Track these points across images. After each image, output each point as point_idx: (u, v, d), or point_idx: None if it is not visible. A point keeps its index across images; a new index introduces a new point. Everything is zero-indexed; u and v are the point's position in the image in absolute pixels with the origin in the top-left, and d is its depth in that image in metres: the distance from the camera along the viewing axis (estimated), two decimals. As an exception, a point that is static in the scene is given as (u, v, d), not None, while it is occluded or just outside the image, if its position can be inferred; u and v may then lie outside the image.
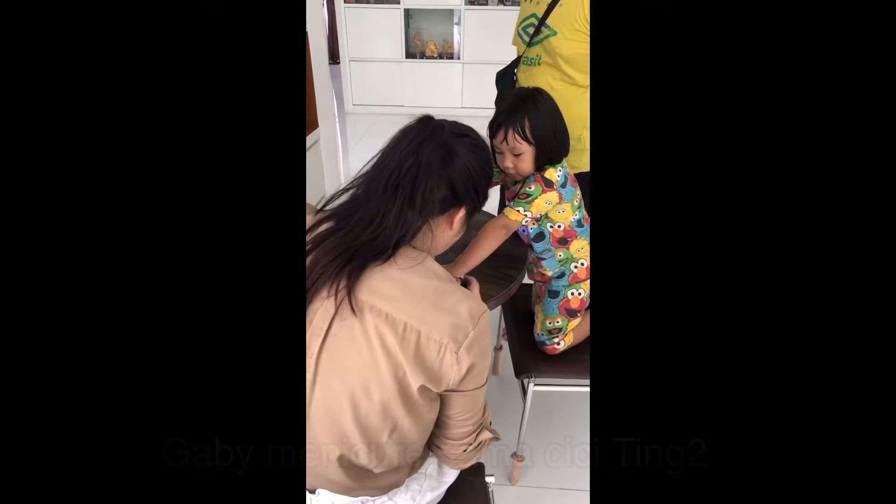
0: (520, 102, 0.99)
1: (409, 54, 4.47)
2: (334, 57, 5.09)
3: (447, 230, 0.73)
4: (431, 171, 0.66)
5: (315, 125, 2.47)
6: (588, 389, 1.24)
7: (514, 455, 1.30)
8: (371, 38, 4.41)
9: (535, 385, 1.20)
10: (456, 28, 4.41)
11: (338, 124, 4.55)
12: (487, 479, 0.95)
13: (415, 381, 0.63)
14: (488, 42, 4.24)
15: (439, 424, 0.74)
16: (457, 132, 0.70)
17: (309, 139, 2.41)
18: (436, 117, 0.72)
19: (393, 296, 0.63)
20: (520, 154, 1.00)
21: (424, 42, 4.51)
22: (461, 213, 0.71)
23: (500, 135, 1.00)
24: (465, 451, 0.75)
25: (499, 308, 1.43)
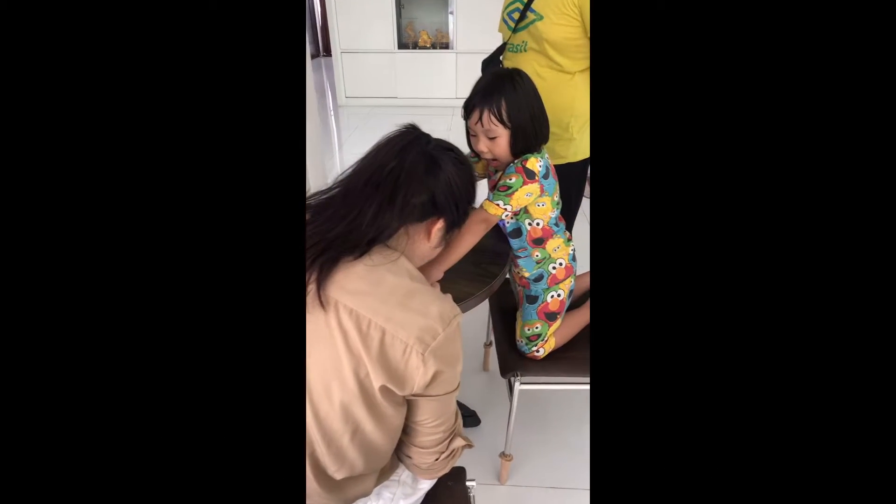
0: (497, 82, 0.94)
1: (402, 45, 4.41)
2: (327, 49, 5.03)
3: (424, 240, 0.72)
4: (414, 176, 0.67)
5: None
6: (576, 387, 1.21)
7: (503, 454, 1.27)
8: (363, 28, 4.35)
9: (522, 384, 1.16)
10: (450, 17, 4.34)
11: (333, 118, 4.51)
12: (469, 484, 0.92)
13: (376, 381, 0.60)
14: (483, 31, 4.17)
15: (407, 432, 0.70)
16: (442, 146, 0.71)
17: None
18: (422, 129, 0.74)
19: (360, 291, 0.61)
20: (494, 137, 0.95)
21: (417, 32, 4.44)
22: (439, 225, 0.70)
23: (475, 115, 0.95)
24: (436, 459, 0.71)
25: (487, 304, 1.40)
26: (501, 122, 0.93)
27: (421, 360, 0.60)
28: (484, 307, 1.38)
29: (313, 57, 7.03)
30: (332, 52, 4.50)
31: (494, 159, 0.99)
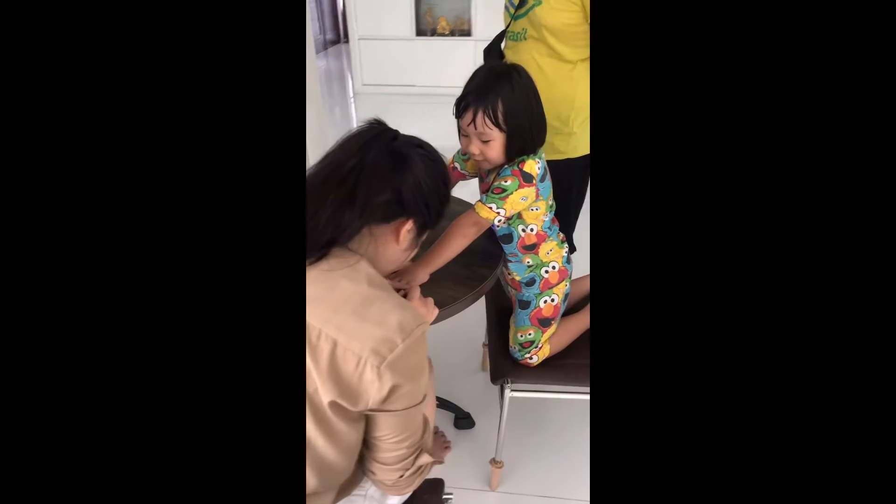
0: (493, 80, 0.86)
1: (420, 31, 4.33)
2: (348, 35, 4.98)
3: (392, 243, 0.67)
4: (376, 172, 0.62)
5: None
6: (571, 396, 1.16)
7: (493, 461, 1.23)
8: (380, 14, 4.28)
9: (513, 391, 1.12)
10: (471, 3, 4.23)
11: (353, 105, 4.47)
12: (446, 497, 0.88)
13: (325, 396, 0.57)
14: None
15: (369, 447, 0.67)
16: (410, 141, 0.67)
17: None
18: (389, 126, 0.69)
19: (312, 298, 0.57)
20: (488, 141, 0.88)
21: (436, 18, 4.35)
22: (408, 226, 0.66)
23: (468, 116, 0.88)
24: (401, 476, 0.68)
25: (484, 304, 1.35)
26: (497, 125, 0.86)
27: (376, 374, 0.56)
28: (483, 306, 1.34)
29: (334, 43, 7.00)
30: (350, 39, 4.45)
31: (484, 160, 0.93)
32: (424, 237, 0.73)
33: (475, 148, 0.90)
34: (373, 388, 0.57)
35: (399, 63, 4.45)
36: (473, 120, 0.87)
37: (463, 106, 0.88)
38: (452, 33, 4.36)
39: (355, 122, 4.15)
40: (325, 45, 6.72)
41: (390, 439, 0.64)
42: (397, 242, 0.67)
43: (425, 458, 0.69)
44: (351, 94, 4.73)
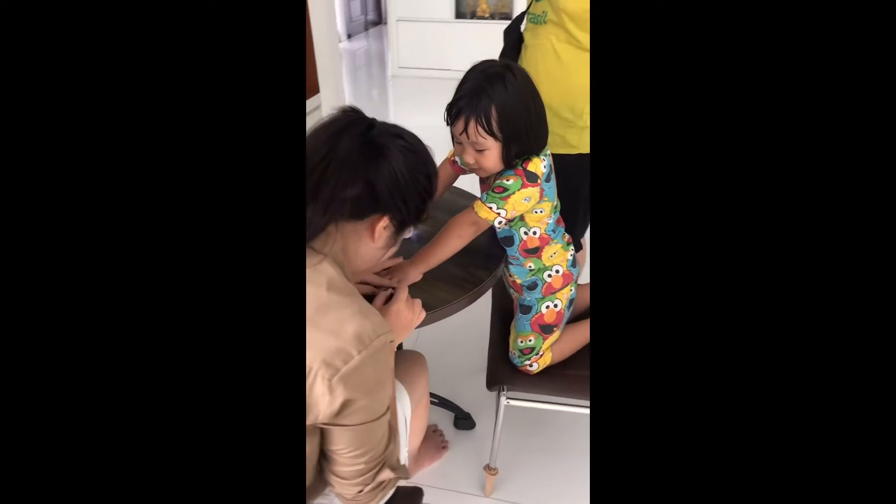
0: (485, 83, 0.77)
1: (460, 14, 4.23)
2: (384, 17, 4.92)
3: (367, 241, 0.63)
4: (346, 164, 0.58)
5: (315, 90, 2.35)
6: (569, 409, 1.09)
7: (487, 467, 1.18)
8: (420, -5, 4.20)
9: (508, 399, 1.06)
10: (513, -15, 4.09)
11: (391, 87, 4.44)
12: (423, 508, 0.84)
13: None
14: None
15: (327, 458, 0.63)
16: (389, 131, 0.62)
17: (308, 104, 2.30)
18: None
19: None
20: (483, 150, 0.81)
21: (476, 1, 4.23)
22: (384, 223, 0.61)
23: (460, 124, 0.80)
24: (360, 491, 0.64)
25: (489, 305, 1.29)
26: (491, 133, 0.78)
27: (327, 386, 0.52)
28: (479, 310, 1.28)
29: (375, 24, 6.96)
30: (388, 20, 4.39)
31: (480, 169, 0.85)
32: (406, 235, 0.69)
33: (469, 157, 0.83)
34: (323, 402, 0.53)
35: (437, 46, 4.36)
36: (466, 128, 0.79)
37: (454, 113, 0.80)
38: (493, 17, 4.23)
39: (392, 104, 4.13)
40: (365, 27, 6.69)
41: (346, 454, 0.60)
42: (373, 240, 0.63)
43: (386, 474, 0.65)
44: (389, 77, 4.70)
